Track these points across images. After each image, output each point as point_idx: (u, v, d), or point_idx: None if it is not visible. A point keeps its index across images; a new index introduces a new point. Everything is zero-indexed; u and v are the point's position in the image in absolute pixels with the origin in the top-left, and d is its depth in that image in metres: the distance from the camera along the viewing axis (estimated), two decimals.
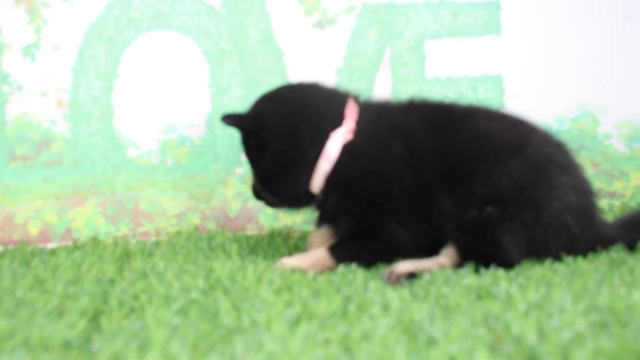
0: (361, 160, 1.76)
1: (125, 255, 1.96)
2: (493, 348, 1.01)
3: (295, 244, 2.09)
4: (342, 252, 1.73)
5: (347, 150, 1.76)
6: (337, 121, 1.78)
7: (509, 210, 1.63)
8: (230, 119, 1.83)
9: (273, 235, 2.21)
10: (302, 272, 1.66)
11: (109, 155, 2.27)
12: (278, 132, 1.79)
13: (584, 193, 1.73)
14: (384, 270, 1.65)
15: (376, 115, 1.81)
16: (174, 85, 2.29)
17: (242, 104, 2.30)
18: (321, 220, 1.87)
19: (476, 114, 1.83)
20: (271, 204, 1.92)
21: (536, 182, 1.66)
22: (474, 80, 2.44)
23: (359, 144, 1.76)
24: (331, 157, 1.76)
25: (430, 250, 1.72)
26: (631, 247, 1.74)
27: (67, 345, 1.15)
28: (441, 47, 2.42)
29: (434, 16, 2.40)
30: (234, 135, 2.30)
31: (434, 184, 1.71)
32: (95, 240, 2.18)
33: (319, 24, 2.35)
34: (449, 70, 2.42)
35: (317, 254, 1.74)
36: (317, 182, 1.79)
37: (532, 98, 2.47)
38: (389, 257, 1.71)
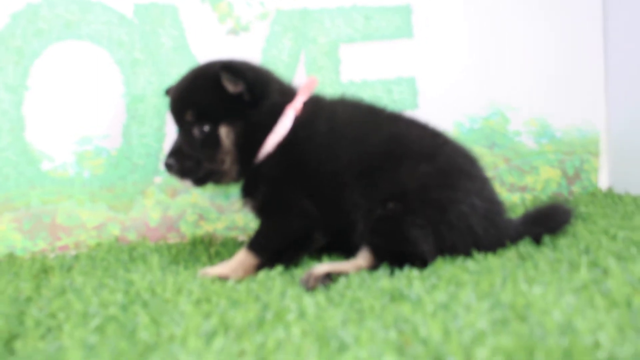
0: (302, 135, 1.85)
1: (43, 272, 1.92)
2: (401, 350, 1.05)
3: (217, 251, 2.10)
4: (257, 243, 1.79)
5: (296, 123, 1.86)
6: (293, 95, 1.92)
7: (413, 206, 1.70)
8: (235, 71, 1.83)
9: (195, 243, 2.21)
10: (222, 281, 1.68)
11: (22, 169, 2.21)
12: (275, 88, 1.90)
13: (489, 200, 1.81)
14: (302, 274, 1.68)
15: (313, 98, 1.94)
16: (87, 95, 2.25)
17: (158, 112, 2.29)
18: (243, 193, 1.92)
19: (399, 118, 1.93)
20: (206, 175, 1.88)
21: (442, 185, 1.74)
22: (388, 83, 2.50)
23: (304, 120, 1.86)
24: (286, 125, 1.85)
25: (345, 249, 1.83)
26: (537, 241, 1.83)
27: None
28: (355, 51, 2.47)
29: (347, 21, 2.45)
30: (151, 144, 2.29)
31: (346, 171, 1.80)
32: (11, 257, 2.13)
33: (233, 31, 2.36)
34: (364, 74, 2.48)
35: (237, 257, 1.78)
36: (268, 147, 1.84)
37: (445, 98, 2.56)
38: (300, 229, 1.80)
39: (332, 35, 2.44)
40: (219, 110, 1.84)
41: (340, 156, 1.82)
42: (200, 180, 1.88)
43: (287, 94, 1.91)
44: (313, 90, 1.95)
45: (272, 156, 1.84)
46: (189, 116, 1.85)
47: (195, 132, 1.85)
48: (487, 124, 2.61)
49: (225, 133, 1.84)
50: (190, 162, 1.84)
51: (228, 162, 1.87)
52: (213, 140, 1.84)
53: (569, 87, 2.67)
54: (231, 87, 1.83)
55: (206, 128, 1.84)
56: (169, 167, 1.85)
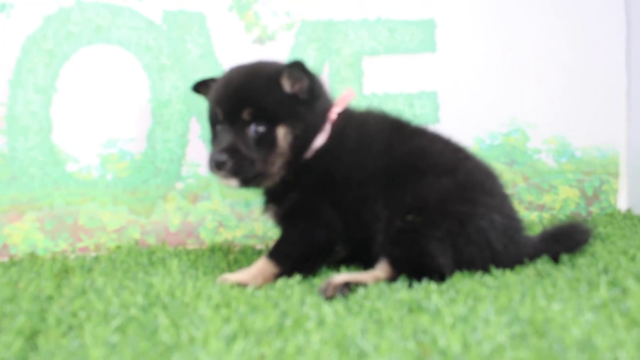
0: (335, 144, 1.85)
1: (64, 271, 1.95)
2: None
3: (236, 258, 2.12)
4: (278, 252, 1.80)
5: (331, 133, 1.87)
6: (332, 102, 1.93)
7: (432, 219, 1.71)
8: (302, 67, 1.83)
9: (214, 249, 2.23)
10: (241, 287, 1.69)
11: (47, 170, 2.25)
12: (325, 91, 1.92)
13: (508, 216, 1.81)
14: (321, 283, 1.70)
15: (345, 109, 1.94)
16: (114, 99, 2.29)
17: (182, 118, 2.32)
18: (268, 198, 1.90)
19: (423, 132, 1.94)
20: (255, 176, 1.82)
21: (462, 200, 1.74)
22: (410, 96, 2.51)
23: (338, 130, 1.87)
24: (326, 133, 1.86)
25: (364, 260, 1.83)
26: (555, 259, 1.83)
27: None
28: (378, 64, 2.48)
29: (371, 33, 2.47)
30: (174, 150, 2.32)
31: (370, 182, 1.81)
32: (32, 256, 2.16)
33: (259, 40, 2.39)
34: (386, 86, 2.49)
35: (257, 265, 1.79)
36: (308, 153, 1.84)
37: (466, 114, 2.57)
38: (323, 241, 1.80)
39: (355, 47, 2.46)
40: (277, 111, 1.81)
41: (367, 167, 1.82)
42: (247, 181, 1.82)
43: (330, 100, 1.93)
44: (349, 102, 1.95)
45: (308, 163, 1.84)
46: (246, 115, 1.80)
47: (250, 131, 1.80)
48: (507, 141, 2.61)
49: (282, 134, 1.81)
50: (246, 161, 1.78)
51: (278, 164, 1.82)
52: (268, 141, 1.80)
53: (589, 106, 2.67)
54: (289, 85, 1.83)
55: (261, 128, 1.79)
56: (220, 164, 1.77)
